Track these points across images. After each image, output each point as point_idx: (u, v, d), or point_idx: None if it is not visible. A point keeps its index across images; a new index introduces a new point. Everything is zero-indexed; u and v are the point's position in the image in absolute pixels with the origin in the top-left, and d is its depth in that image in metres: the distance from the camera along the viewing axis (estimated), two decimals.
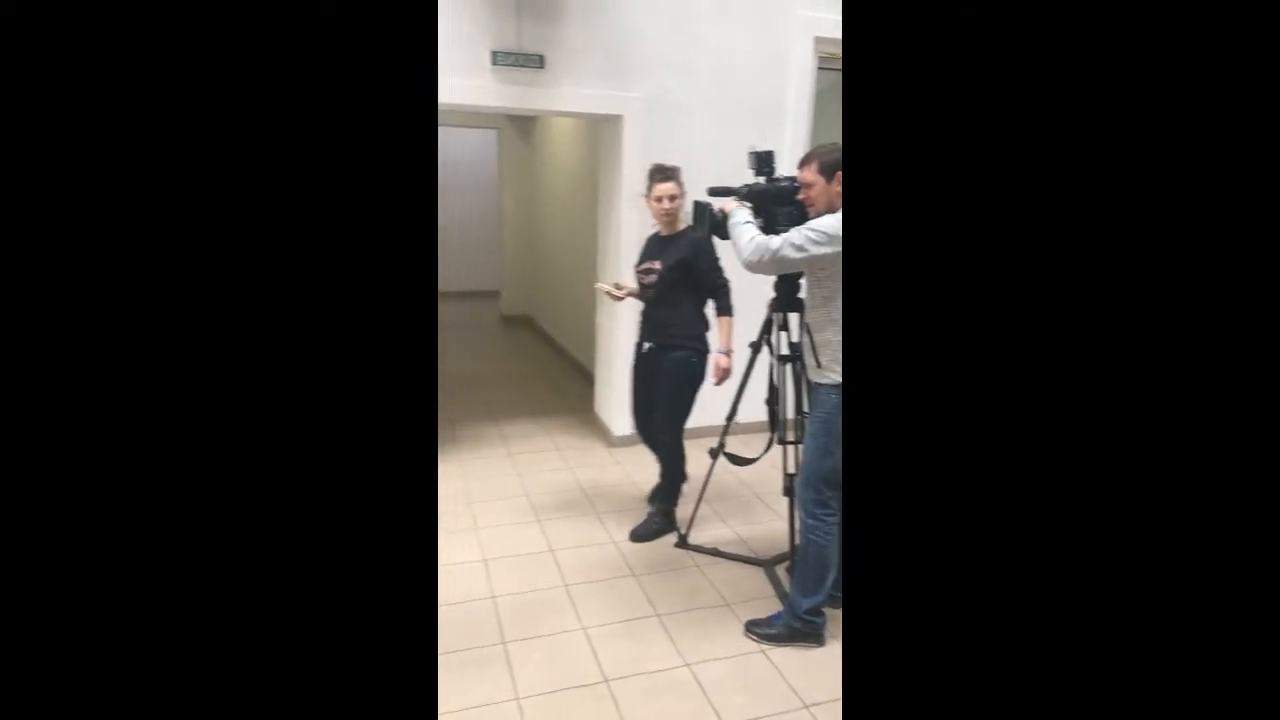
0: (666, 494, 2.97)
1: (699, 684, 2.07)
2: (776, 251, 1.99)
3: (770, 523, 3.08)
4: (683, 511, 2.98)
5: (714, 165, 3.36)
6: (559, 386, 4.98)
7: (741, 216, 2.17)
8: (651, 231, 2.87)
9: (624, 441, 3.85)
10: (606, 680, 2.08)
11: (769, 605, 2.45)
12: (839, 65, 3.84)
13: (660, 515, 2.96)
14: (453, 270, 7.76)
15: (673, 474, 2.93)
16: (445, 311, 6.94)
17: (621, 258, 3.57)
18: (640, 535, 2.91)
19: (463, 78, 3.23)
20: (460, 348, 6.07)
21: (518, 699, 1.99)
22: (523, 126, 6.62)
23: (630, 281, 2.92)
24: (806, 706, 1.99)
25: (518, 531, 2.95)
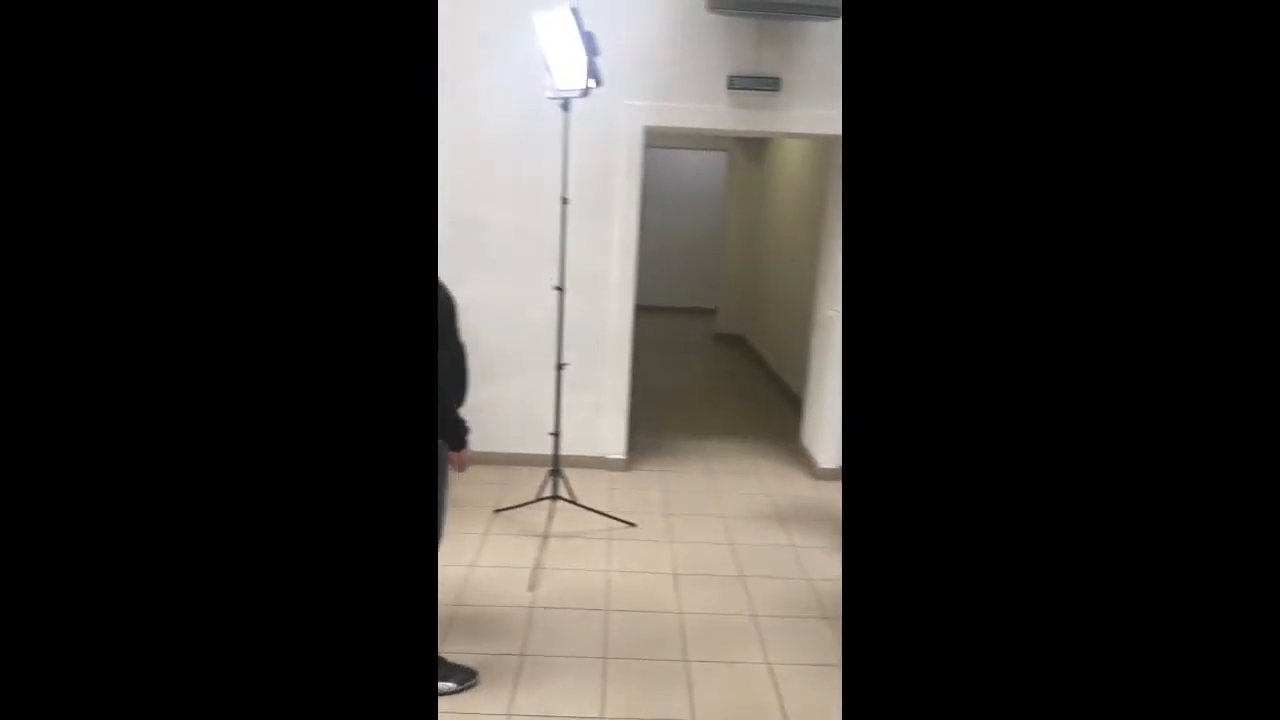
0: None
1: None
2: None
3: None
4: None
5: None
6: (766, 410, 4.91)
7: None
8: None
9: (827, 475, 3.70)
10: None
11: None
12: None
13: None
14: (672, 286, 8.00)
15: None
16: (660, 325, 7.17)
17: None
18: None
19: (697, 102, 3.32)
20: (672, 362, 6.22)
21: None
22: (751, 148, 6.66)
23: None
24: None
25: (709, 551, 2.95)
